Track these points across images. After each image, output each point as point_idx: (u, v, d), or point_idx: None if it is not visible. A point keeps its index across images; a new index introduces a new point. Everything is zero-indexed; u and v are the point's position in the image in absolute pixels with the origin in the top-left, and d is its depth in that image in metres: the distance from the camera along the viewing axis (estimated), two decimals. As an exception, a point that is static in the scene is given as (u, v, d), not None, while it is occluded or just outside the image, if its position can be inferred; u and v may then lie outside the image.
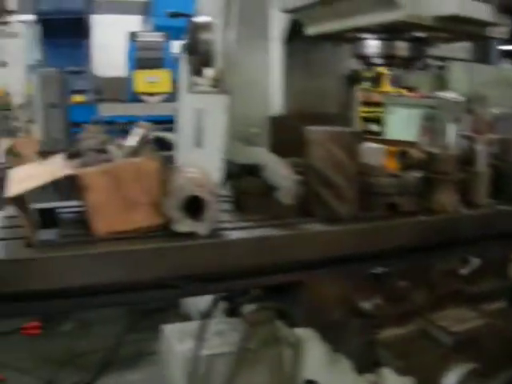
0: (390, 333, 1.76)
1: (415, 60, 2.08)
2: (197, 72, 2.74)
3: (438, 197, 1.87)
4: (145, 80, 6.32)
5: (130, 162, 1.55)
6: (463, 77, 5.44)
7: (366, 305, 1.71)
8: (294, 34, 2.46)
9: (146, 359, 4.28)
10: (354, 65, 2.69)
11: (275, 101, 2.56)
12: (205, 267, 1.52)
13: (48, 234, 1.61)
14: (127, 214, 1.51)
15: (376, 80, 2.60)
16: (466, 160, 1.94)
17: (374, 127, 5.86)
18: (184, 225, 1.48)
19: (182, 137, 3.03)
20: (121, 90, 6.60)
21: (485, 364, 1.67)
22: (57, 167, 1.61)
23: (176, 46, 6.98)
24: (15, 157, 5.05)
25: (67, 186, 1.80)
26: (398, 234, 1.80)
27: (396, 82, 4.60)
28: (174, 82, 6.42)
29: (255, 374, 2.22)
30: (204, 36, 2.55)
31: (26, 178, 1.59)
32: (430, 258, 1.86)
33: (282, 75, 2.53)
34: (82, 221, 1.68)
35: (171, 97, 6.48)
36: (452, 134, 2.02)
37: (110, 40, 7.24)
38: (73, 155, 1.82)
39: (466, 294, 1.92)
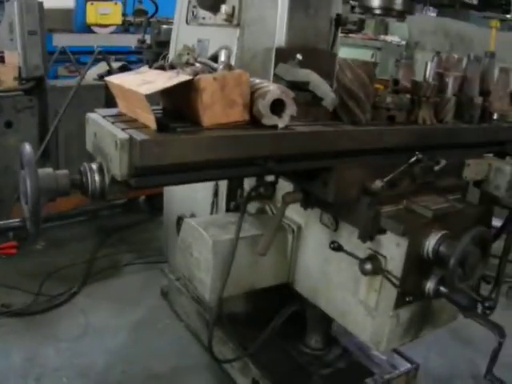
0: (388, 208, 2.45)
1: (408, 13, 2.73)
2: (211, 8, 3.22)
3: (421, 113, 2.59)
4: (96, 12, 6.60)
5: (233, 72, 2.07)
6: (402, 24, 6.18)
7: (374, 186, 2.37)
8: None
9: (123, 269, 4.90)
10: (341, 10, 3.31)
11: (279, 36, 3.12)
12: (280, 150, 2.13)
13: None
14: (228, 111, 2.05)
15: (360, 24, 3.14)
16: (439, 89, 2.64)
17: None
18: (270, 119, 2.07)
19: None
20: (68, 20, 6.85)
21: (452, 230, 2.39)
22: (170, 74, 2.09)
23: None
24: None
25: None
26: (395, 137, 2.51)
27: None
28: (124, 14, 6.77)
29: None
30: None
31: (143, 83, 2.03)
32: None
33: (287, 15, 3.09)
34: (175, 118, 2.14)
35: (120, 29, 6.86)
36: (428, 70, 2.67)
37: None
38: (160, 68, 2.31)
39: (436, 186, 2.64)
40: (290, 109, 2.07)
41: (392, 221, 2.37)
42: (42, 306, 4.16)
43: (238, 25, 3.13)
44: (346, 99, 2.33)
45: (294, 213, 2.91)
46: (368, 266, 2.41)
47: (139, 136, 1.84)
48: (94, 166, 2.00)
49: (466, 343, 4.17)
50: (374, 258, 2.45)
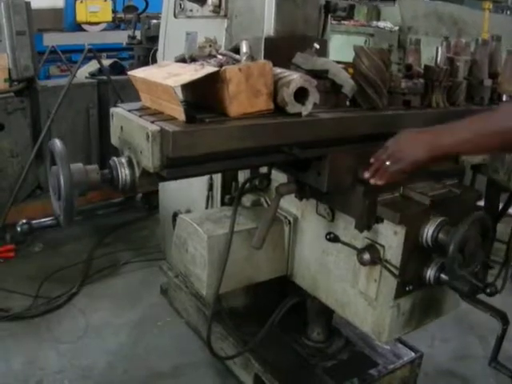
0: (384, 196, 2.41)
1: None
2: (198, 0, 3.19)
3: (435, 97, 2.62)
4: (86, 10, 6.54)
5: (257, 62, 2.09)
6: (394, 9, 6.12)
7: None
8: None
9: (122, 268, 4.86)
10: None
11: (268, 25, 3.07)
12: (305, 137, 2.16)
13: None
14: (253, 100, 2.07)
15: (350, 10, 3.10)
16: (450, 73, 2.65)
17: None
18: (294, 107, 2.08)
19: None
20: (58, 20, 6.80)
21: (450, 216, 2.35)
22: (195, 67, 2.08)
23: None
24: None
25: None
26: (411, 120, 2.49)
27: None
28: (114, 11, 6.71)
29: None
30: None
31: (169, 76, 2.03)
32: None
33: (274, 3, 3.04)
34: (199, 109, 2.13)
35: (111, 26, 6.80)
36: (440, 54, 2.65)
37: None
38: (182, 61, 2.29)
39: (433, 172, 2.59)
40: (313, 96, 2.10)
41: (388, 209, 2.32)
42: (41, 309, 4.12)
43: (225, 16, 3.12)
44: (365, 86, 2.35)
45: (290, 204, 2.88)
46: (366, 256, 2.37)
47: (171, 127, 1.85)
48: (124, 160, 2.00)
49: (470, 329, 4.13)
50: (371, 247, 2.40)
